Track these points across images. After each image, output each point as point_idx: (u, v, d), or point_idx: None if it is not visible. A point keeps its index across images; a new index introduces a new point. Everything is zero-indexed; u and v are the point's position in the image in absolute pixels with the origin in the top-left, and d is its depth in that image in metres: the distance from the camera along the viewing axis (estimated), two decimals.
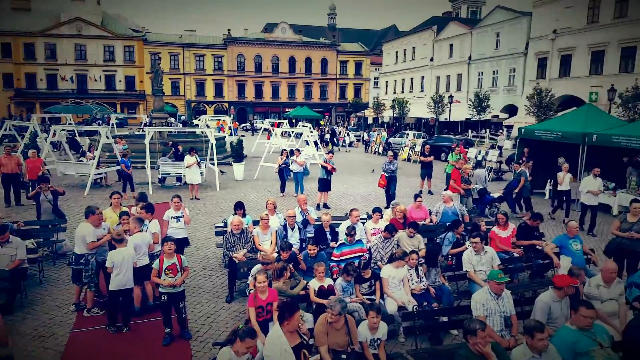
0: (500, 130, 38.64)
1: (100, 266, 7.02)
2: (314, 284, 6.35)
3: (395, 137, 32.96)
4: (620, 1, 31.54)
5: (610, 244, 7.89)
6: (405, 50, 58.09)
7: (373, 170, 21.66)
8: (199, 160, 15.70)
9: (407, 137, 30.58)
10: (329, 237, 8.60)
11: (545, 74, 37.76)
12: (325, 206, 14.45)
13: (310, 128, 24.14)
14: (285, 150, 16.64)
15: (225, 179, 19.42)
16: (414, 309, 6.05)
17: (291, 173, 16.52)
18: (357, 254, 7.66)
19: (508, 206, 13.84)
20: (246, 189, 17.74)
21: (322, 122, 45.97)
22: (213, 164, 17.54)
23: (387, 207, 13.95)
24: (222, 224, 9.67)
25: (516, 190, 13.50)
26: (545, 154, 16.44)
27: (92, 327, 6.65)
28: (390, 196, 14.29)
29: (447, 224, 8.81)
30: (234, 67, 64.67)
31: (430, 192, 16.93)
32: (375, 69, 68.51)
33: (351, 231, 7.70)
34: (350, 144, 35.66)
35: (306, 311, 6.54)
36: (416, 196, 10.20)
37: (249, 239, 8.24)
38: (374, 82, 69.65)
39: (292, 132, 24.76)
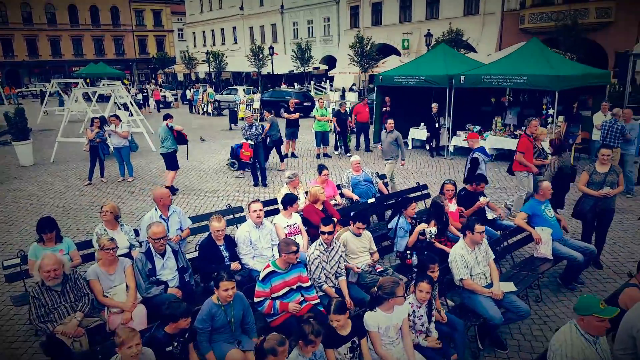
0: (325, 81, 37.89)
1: None
2: None
3: (222, 94, 29.12)
4: None
5: (582, 205, 6.43)
6: None
7: (202, 140, 17.63)
8: None
9: (236, 94, 27.14)
10: (224, 254, 5.26)
11: (359, 22, 37.97)
12: (172, 190, 10.57)
13: (120, 88, 18.74)
14: (96, 118, 11.82)
15: (3, 166, 13.49)
16: None
17: (110, 149, 11.94)
18: (295, 286, 4.54)
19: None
20: (43, 179, 12.33)
21: (126, 81, 38.72)
22: None
23: (255, 185, 11.00)
24: (18, 260, 5.28)
25: (262, 136, 11.86)
26: (403, 102, 15.33)
27: None
28: (261, 171, 11.17)
29: (393, 207, 6.29)
30: None
31: (294, 155, 14.31)
32: (178, 19, 61.28)
33: (291, 247, 4.41)
34: (169, 104, 30.47)
35: None
36: (321, 168, 7.39)
37: (82, 291, 4.40)
38: (179, 34, 62.48)
39: (94, 93, 19.01)
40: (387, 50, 35.22)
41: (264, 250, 5.50)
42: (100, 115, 13.56)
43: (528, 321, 5.18)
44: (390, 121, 10.18)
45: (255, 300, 4.39)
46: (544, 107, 12.67)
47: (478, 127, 13.82)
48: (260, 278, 4.39)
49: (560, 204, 7.67)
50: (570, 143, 12.03)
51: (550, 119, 12.24)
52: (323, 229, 4.71)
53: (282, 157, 13.01)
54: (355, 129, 15.43)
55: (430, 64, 14.35)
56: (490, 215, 6.76)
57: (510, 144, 12.80)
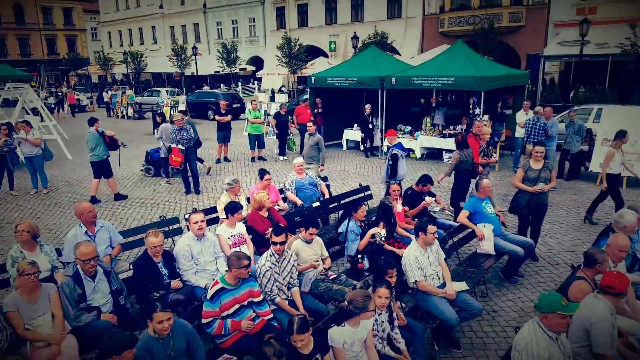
0: (253, 82, 37.22)
1: None
2: None
3: (143, 96, 27.59)
4: None
5: (518, 200, 6.67)
6: None
7: (124, 145, 16.28)
8: None
9: (159, 95, 25.83)
10: (163, 272, 4.79)
11: (285, 23, 37.84)
12: (121, 197, 9.83)
13: (29, 91, 16.94)
14: (3, 125, 10.54)
15: None
16: None
17: (20, 159, 10.74)
18: (246, 302, 4.19)
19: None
20: None
21: (34, 84, 35.44)
22: None
23: (187, 193, 10.42)
24: None
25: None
26: (337, 103, 15.37)
27: None
28: (193, 177, 10.55)
29: (343, 209, 6.12)
30: None
31: (227, 160, 13.77)
32: (92, 18, 57.45)
33: (243, 262, 4.04)
34: (84, 108, 28.32)
35: None
36: (262, 172, 7.06)
37: None
38: (93, 34, 58.61)
39: None
40: (314, 51, 35.40)
41: (207, 265, 5.10)
42: (7, 122, 12.19)
43: (477, 318, 5.23)
44: (310, 124, 9.95)
45: (204, 321, 4.01)
46: (471, 107, 13.22)
47: (409, 128, 14.17)
48: (209, 297, 4.02)
49: (462, 198, 7.86)
50: (496, 141, 12.67)
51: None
52: (275, 239, 4.43)
53: (201, 159, 12.40)
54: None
55: (362, 66, 14.49)
56: (437, 208, 6.80)
57: (440, 143, 13.27)
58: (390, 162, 8.09)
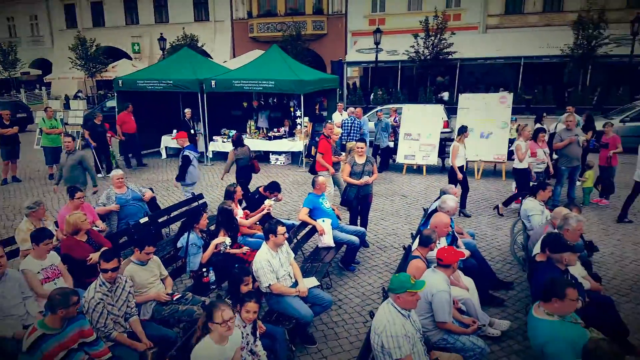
0: (39, 88, 32.06)
1: None
2: None
3: None
4: None
5: (348, 193, 7.05)
6: None
7: None
8: None
9: None
10: None
11: (77, 23, 33.83)
12: None
13: None
14: None
15: None
16: None
17: None
18: (76, 344, 3.43)
19: None
20: None
21: None
22: None
23: None
24: None
25: None
26: (150, 108, 14.22)
27: None
28: None
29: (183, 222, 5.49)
30: None
31: (16, 180, 11.45)
32: None
33: (73, 298, 3.25)
34: None
35: None
36: (73, 190, 5.99)
37: None
38: None
39: None
40: (115, 53, 32.53)
41: (12, 309, 4.07)
42: None
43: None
44: (68, 139, 8.28)
45: None
46: (292, 109, 13.65)
47: (234, 131, 13.92)
48: (25, 349, 3.17)
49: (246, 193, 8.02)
50: (317, 140, 13.34)
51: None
52: (105, 265, 3.75)
53: None
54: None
55: (178, 68, 13.66)
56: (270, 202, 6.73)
57: (266, 145, 13.38)
58: (180, 164, 8.18)
